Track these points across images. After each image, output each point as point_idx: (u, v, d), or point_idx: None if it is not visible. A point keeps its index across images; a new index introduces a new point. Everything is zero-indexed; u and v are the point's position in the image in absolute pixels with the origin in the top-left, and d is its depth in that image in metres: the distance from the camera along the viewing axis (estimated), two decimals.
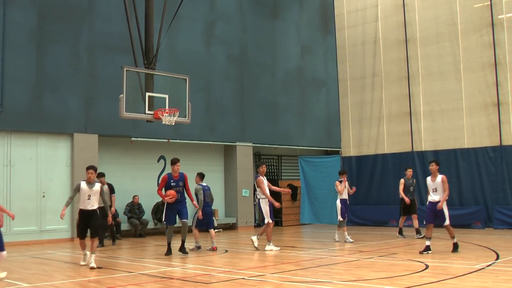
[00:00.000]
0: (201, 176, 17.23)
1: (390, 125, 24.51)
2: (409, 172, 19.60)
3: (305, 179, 27.09)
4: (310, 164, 27.26)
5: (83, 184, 13.45)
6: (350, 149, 25.87)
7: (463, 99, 22.28)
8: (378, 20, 25.25)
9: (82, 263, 13.64)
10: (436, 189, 14.80)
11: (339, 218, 18.43)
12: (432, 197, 14.94)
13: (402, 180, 19.35)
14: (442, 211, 14.72)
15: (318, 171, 26.90)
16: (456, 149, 22.43)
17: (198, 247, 16.57)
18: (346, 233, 18.01)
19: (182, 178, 15.82)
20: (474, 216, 21.77)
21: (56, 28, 20.77)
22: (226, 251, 16.00)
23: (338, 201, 18.58)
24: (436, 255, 14.19)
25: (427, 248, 14.46)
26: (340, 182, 18.71)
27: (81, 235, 13.60)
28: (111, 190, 18.95)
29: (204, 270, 12.33)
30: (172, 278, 11.30)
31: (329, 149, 29.76)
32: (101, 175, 17.91)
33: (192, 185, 16.21)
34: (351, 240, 17.74)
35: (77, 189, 13.53)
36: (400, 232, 19.45)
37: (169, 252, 15.50)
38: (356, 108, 25.73)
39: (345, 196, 18.62)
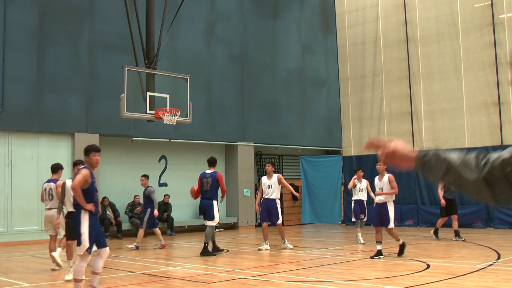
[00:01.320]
0: (147, 177, 17.94)
1: (391, 124, 24.51)
2: None
3: (306, 178, 27.11)
4: (311, 163, 27.27)
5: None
6: (351, 148, 25.87)
7: (464, 99, 22.27)
8: (378, 19, 25.24)
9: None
10: (382, 189, 14.62)
11: (352, 219, 18.08)
12: (379, 198, 14.51)
13: None
14: (387, 212, 14.32)
15: (319, 171, 26.92)
16: (457, 148, 22.38)
17: (137, 248, 16.91)
18: (359, 234, 17.46)
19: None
20: (475, 216, 21.77)
21: (56, 27, 20.77)
22: (227, 250, 16.00)
23: (352, 202, 18.00)
24: (437, 255, 14.20)
25: (379, 253, 13.82)
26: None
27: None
28: None
29: (205, 269, 12.34)
30: (173, 278, 11.31)
31: (330, 148, 29.75)
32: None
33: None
34: (362, 241, 17.18)
35: None
36: (436, 233, 18.32)
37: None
38: (357, 108, 25.72)
39: (358, 196, 17.59)
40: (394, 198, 14.43)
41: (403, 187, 23.46)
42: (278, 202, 16.61)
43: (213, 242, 15.61)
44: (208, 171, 16.13)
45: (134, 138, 22.16)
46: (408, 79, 23.92)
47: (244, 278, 11.05)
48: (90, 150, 9.80)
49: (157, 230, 17.32)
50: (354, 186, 17.52)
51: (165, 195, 22.84)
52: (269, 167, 16.87)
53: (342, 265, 12.93)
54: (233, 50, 26.20)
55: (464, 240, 17.02)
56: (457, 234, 17.80)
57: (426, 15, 23.61)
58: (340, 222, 25.78)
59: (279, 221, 16.46)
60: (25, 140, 20.00)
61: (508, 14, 21.49)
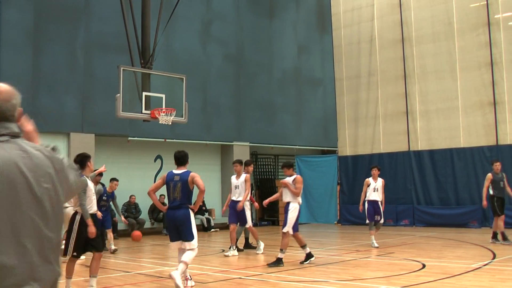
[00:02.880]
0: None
1: (386, 124, 24.53)
2: (497, 165, 16.74)
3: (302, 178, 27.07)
4: (307, 163, 27.28)
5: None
6: (346, 148, 25.88)
7: (459, 99, 22.28)
8: (374, 19, 25.26)
9: None
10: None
11: (366, 221, 16.70)
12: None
13: (489, 175, 16.68)
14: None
15: (315, 171, 26.92)
16: (452, 148, 22.45)
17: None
18: (373, 237, 16.26)
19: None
20: (471, 216, 21.79)
21: (52, 27, 20.74)
22: (223, 250, 15.99)
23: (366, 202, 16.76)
24: (432, 254, 14.22)
25: (308, 256, 13.18)
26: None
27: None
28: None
29: (200, 269, 12.33)
30: (169, 278, 11.29)
31: (325, 148, 29.77)
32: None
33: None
34: (376, 245, 15.98)
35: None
36: (495, 237, 16.21)
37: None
38: (352, 108, 25.74)
39: (372, 197, 16.46)
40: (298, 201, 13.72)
41: (399, 187, 23.57)
42: (247, 203, 15.36)
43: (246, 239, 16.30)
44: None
45: (129, 138, 22.13)
46: (403, 79, 23.94)
47: (240, 278, 11.06)
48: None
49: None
50: (369, 185, 16.59)
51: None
52: (237, 167, 15.46)
53: (337, 264, 12.94)
54: (229, 50, 26.20)
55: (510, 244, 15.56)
56: (505, 237, 15.90)
57: (421, 15, 23.63)
58: (336, 222, 25.80)
59: (248, 225, 15.38)
60: None
61: (503, 14, 21.53)
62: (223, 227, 24.62)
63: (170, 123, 17.55)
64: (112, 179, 17.08)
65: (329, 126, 29.03)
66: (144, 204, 22.27)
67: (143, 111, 17.13)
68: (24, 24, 20.09)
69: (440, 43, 23.00)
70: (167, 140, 23.35)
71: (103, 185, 17.57)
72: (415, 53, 23.67)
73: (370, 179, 16.63)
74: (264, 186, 27.96)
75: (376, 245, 15.93)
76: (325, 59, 29.61)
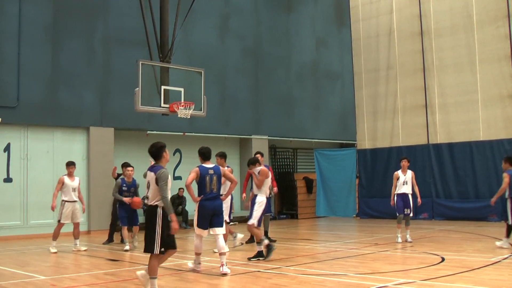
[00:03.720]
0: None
1: (405, 117, 24.44)
2: None
3: (321, 172, 27.07)
4: (326, 157, 27.24)
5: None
6: (365, 141, 25.82)
7: (479, 91, 22.15)
8: (392, 12, 25.16)
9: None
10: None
11: (397, 214, 16.13)
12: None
13: None
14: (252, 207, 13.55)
15: (334, 164, 26.88)
16: (471, 141, 22.33)
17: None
18: (399, 230, 15.77)
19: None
20: (490, 209, 21.61)
21: (71, 22, 20.85)
22: (242, 243, 16.01)
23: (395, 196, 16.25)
24: (451, 248, 14.17)
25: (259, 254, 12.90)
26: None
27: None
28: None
29: (219, 263, 12.35)
30: (188, 271, 11.35)
31: (344, 142, 29.73)
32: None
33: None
34: (400, 240, 15.61)
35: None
36: None
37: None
38: (371, 101, 25.66)
39: (401, 190, 16.07)
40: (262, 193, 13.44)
41: (418, 180, 23.41)
42: (227, 200, 13.66)
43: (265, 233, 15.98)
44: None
45: (148, 132, 22.21)
46: (422, 72, 23.84)
47: (259, 271, 11.08)
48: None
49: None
50: (398, 178, 16.14)
51: (179, 189, 22.88)
52: (218, 160, 14.03)
53: (356, 258, 12.93)
54: (247, 44, 26.21)
55: None
56: None
57: (440, 8, 23.50)
58: (354, 216, 25.77)
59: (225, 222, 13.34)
60: (41, 134, 20.11)
61: None
62: (242, 220, 24.67)
63: (189, 117, 17.61)
64: (123, 165, 16.44)
65: (347, 119, 28.98)
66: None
67: (162, 105, 17.20)
68: (43, 19, 20.21)
69: (459, 35, 22.87)
70: (185, 134, 23.41)
71: (119, 175, 17.53)
72: (434, 46, 23.55)
73: (399, 172, 16.21)
74: (283, 180, 27.96)
75: (400, 240, 15.55)
76: (343, 52, 29.54)
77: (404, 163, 16.26)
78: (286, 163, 28.73)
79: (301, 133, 27.93)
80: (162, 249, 8.76)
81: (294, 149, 29.16)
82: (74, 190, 15.72)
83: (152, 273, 8.84)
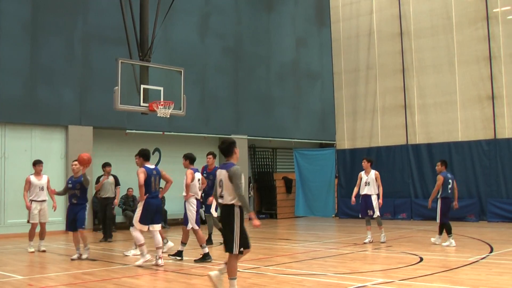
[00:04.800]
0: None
1: (384, 118, 24.54)
2: None
3: (300, 171, 27.09)
4: (305, 156, 27.27)
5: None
6: (344, 142, 25.90)
7: (458, 93, 22.30)
8: (373, 12, 25.25)
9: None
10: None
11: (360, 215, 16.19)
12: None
13: None
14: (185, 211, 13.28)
15: (313, 164, 26.91)
16: (450, 142, 22.48)
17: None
18: (369, 232, 15.65)
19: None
20: (468, 209, 21.81)
21: (50, 19, 20.70)
22: (221, 243, 15.99)
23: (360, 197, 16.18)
24: (430, 248, 14.24)
25: (178, 253, 13.10)
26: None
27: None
28: (116, 182, 18.60)
29: (193, 263, 12.35)
30: (167, 271, 11.31)
31: (323, 142, 29.79)
32: (107, 165, 18.30)
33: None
34: (367, 240, 15.50)
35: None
36: None
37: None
38: (351, 101, 25.75)
39: (364, 191, 15.92)
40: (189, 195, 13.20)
41: (396, 180, 23.59)
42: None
43: (209, 234, 15.94)
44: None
45: (127, 131, 22.11)
46: (402, 72, 23.95)
47: (238, 271, 11.06)
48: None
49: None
50: (361, 179, 16.01)
51: (128, 189, 22.74)
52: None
53: (335, 258, 12.95)
54: (227, 43, 26.17)
55: None
56: None
57: (420, 9, 23.63)
58: (333, 215, 25.82)
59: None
60: (19, 132, 19.95)
61: (502, 8, 21.52)
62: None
63: (168, 116, 17.54)
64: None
65: (327, 119, 29.03)
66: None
67: (141, 103, 17.11)
68: (22, 16, 20.05)
69: (438, 37, 23.01)
70: (165, 133, 23.34)
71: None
72: (414, 47, 23.68)
73: (362, 173, 16.11)
74: (262, 179, 27.98)
75: (367, 240, 15.44)
76: (324, 52, 29.59)
77: (364, 163, 16.09)
78: (265, 163, 28.71)
79: (281, 132, 27.94)
80: (241, 249, 8.55)
81: (273, 148, 29.16)
82: (41, 189, 15.25)
83: (231, 274, 8.59)
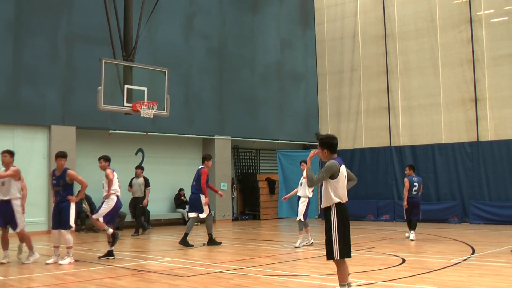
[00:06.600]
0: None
1: (368, 119, 24.61)
2: None
3: (283, 172, 27.05)
4: (288, 157, 27.22)
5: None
6: None
7: (441, 95, 22.42)
8: (357, 14, 25.32)
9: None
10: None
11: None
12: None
13: None
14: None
15: (296, 165, 26.76)
16: (433, 144, 22.58)
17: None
18: (300, 236, 15.79)
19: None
20: (451, 211, 21.94)
21: (34, 19, 20.59)
22: (204, 244, 15.99)
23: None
24: (412, 250, 14.29)
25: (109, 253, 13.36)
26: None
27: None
28: (146, 183, 20.01)
29: (181, 263, 12.32)
30: (150, 271, 11.28)
31: (307, 143, 29.81)
32: (139, 168, 20.21)
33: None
34: (297, 244, 15.41)
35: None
36: None
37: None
38: (335, 103, 25.80)
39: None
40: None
41: (380, 182, 23.66)
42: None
43: (210, 235, 16.12)
44: (199, 166, 16.49)
45: (111, 131, 22.05)
46: (386, 74, 24.04)
47: (221, 272, 11.05)
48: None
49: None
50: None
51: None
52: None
53: (318, 259, 12.95)
54: (211, 44, 26.14)
55: None
56: None
57: (404, 11, 23.73)
58: (316, 217, 25.82)
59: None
60: (1, 132, 19.80)
61: (485, 11, 21.65)
62: (203, 221, 24.57)
63: (152, 117, 17.49)
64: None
65: (311, 121, 29.05)
66: (125, 198, 22.11)
67: (125, 104, 17.05)
68: (5, 15, 19.92)
69: (422, 39, 23.12)
70: (148, 133, 23.30)
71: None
72: (398, 49, 23.78)
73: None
74: (245, 180, 27.98)
75: (297, 245, 15.36)
76: (308, 54, 29.62)
77: (303, 165, 16.13)
78: (249, 164, 28.71)
79: (265, 134, 27.95)
80: (345, 254, 8.04)
81: (257, 149, 29.17)
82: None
83: (340, 280, 8.11)
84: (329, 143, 8.43)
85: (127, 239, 18.15)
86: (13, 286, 9.86)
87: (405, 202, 16.76)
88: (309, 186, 8.22)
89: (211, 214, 16.26)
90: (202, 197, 15.86)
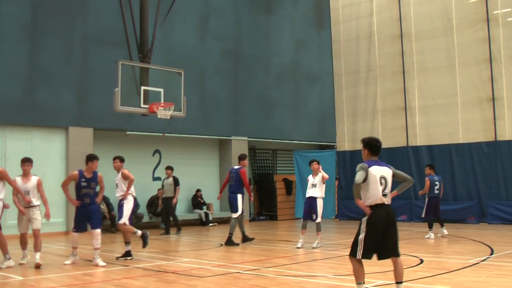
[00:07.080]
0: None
1: (385, 119, 24.52)
2: None
3: (300, 173, 27.04)
4: (305, 158, 27.18)
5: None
6: (344, 143, 25.88)
7: (458, 94, 22.29)
8: (373, 14, 25.24)
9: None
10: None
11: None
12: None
13: None
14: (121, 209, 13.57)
15: None
16: (450, 144, 22.46)
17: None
18: (301, 236, 15.55)
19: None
20: (468, 211, 21.82)
21: (49, 21, 20.70)
22: (221, 245, 16.01)
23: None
24: (430, 250, 14.23)
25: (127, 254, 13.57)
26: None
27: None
28: (176, 182, 20.12)
29: (199, 264, 12.34)
30: (167, 272, 11.30)
31: (323, 143, 29.78)
32: (168, 168, 20.41)
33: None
34: (299, 245, 15.28)
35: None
36: None
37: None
38: (351, 103, 25.73)
39: (309, 194, 15.89)
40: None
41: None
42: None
43: (243, 233, 16.43)
44: (235, 167, 16.69)
45: (128, 132, 22.12)
46: (402, 74, 23.94)
47: (238, 272, 11.06)
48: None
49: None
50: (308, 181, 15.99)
51: (158, 189, 22.78)
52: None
53: (335, 259, 12.93)
54: (226, 45, 26.18)
55: None
56: None
57: (420, 11, 23.62)
58: (333, 217, 25.80)
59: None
60: (19, 134, 19.94)
61: (502, 10, 21.51)
62: (221, 221, 24.65)
63: (169, 118, 17.55)
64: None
65: (326, 121, 29.01)
66: (142, 198, 22.26)
67: (142, 105, 17.13)
68: (21, 18, 20.05)
69: (439, 39, 23.00)
70: (165, 134, 23.35)
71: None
72: (414, 48, 23.67)
73: (310, 176, 16.01)
74: (262, 181, 27.98)
75: (299, 245, 15.21)
76: (323, 54, 29.59)
77: (313, 165, 15.88)
78: (265, 165, 28.72)
79: (281, 134, 27.94)
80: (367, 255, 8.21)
81: (273, 150, 29.17)
82: (27, 193, 13.42)
83: (356, 278, 8.34)
84: (370, 144, 8.70)
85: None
86: (33, 286, 9.92)
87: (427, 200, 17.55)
88: (356, 196, 8.24)
89: (243, 214, 16.39)
90: (239, 196, 16.11)
